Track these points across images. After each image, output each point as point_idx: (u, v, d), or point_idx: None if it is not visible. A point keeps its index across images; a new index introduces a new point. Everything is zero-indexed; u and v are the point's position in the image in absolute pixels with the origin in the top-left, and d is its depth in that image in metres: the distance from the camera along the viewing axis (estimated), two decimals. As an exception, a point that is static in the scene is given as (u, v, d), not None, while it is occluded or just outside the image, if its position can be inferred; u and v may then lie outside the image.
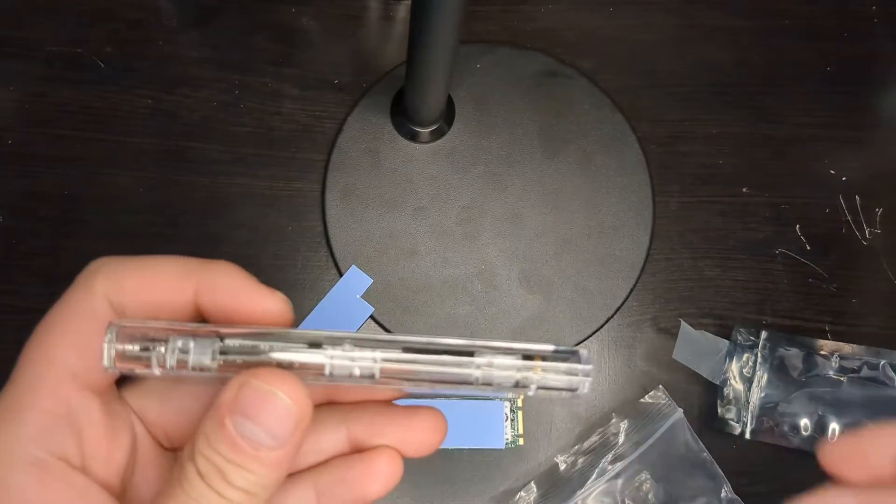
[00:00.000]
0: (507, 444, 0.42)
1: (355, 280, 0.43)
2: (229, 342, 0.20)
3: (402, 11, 0.48)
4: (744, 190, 0.46)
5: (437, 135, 0.45)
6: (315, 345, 0.20)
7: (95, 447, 0.22)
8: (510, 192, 0.45)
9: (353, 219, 0.44)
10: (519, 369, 0.21)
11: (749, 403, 0.42)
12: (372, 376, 0.21)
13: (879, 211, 0.46)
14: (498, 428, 0.42)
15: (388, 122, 0.45)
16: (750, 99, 0.48)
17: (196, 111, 0.46)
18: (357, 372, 0.20)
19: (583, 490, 0.40)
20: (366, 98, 0.46)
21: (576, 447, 0.42)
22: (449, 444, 0.41)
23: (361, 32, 0.48)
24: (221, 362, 0.20)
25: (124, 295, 0.22)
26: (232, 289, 0.22)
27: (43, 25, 0.46)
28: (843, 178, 0.47)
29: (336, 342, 0.20)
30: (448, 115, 0.45)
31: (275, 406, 0.19)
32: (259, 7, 0.47)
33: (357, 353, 0.20)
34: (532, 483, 0.41)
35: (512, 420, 0.42)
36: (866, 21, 0.50)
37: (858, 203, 0.46)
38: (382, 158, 0.45)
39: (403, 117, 0.45)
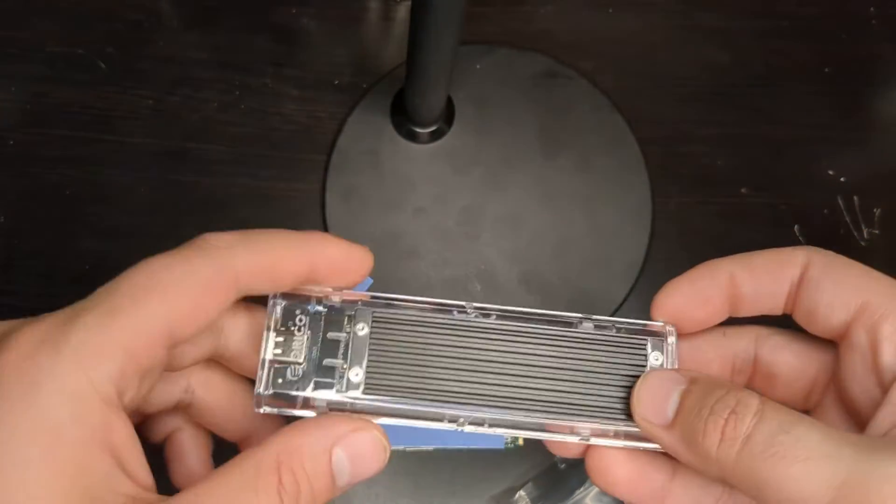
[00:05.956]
0: (506, 444, 0.42)
1: (355, 280, 0.43)
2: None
3: (402, 12, 0.48)
4: (742, 191, 0.46)
5: (437, 135, 0.45)
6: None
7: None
8: (510, 193, 0.45)
9: (353, 219, 0.44)
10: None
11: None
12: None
13: (878, 211, 0.46)
14: (497, 428, 0.42)
15: (388, 123, 0.45)
16: (749, 100, 0.48)
17: (196, 111, 0.46)
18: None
19: (582, 489, 0.40)
20: (366, 98, 0.46)
21: (575, 447, 0.42)
22: (449, 444, 0.41)
23: (361, 33, 0.48)
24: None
25: (251, 271, 0.23)
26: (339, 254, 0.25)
27: (44, 26, 0.46)
28: (842, 179, 0.47)
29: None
30: (448, 116, 0.45)
31: (379, 459, 0.21)
32: (259, 7, 0.48)
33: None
34: (531, 483, 0.41)
35: (511, 420, 0.42)
36: (865, 22, 0.50)
37: (857, 204, 0.46)
38: (382, 159, 0.45)
39: (403, 118, 0.45)
